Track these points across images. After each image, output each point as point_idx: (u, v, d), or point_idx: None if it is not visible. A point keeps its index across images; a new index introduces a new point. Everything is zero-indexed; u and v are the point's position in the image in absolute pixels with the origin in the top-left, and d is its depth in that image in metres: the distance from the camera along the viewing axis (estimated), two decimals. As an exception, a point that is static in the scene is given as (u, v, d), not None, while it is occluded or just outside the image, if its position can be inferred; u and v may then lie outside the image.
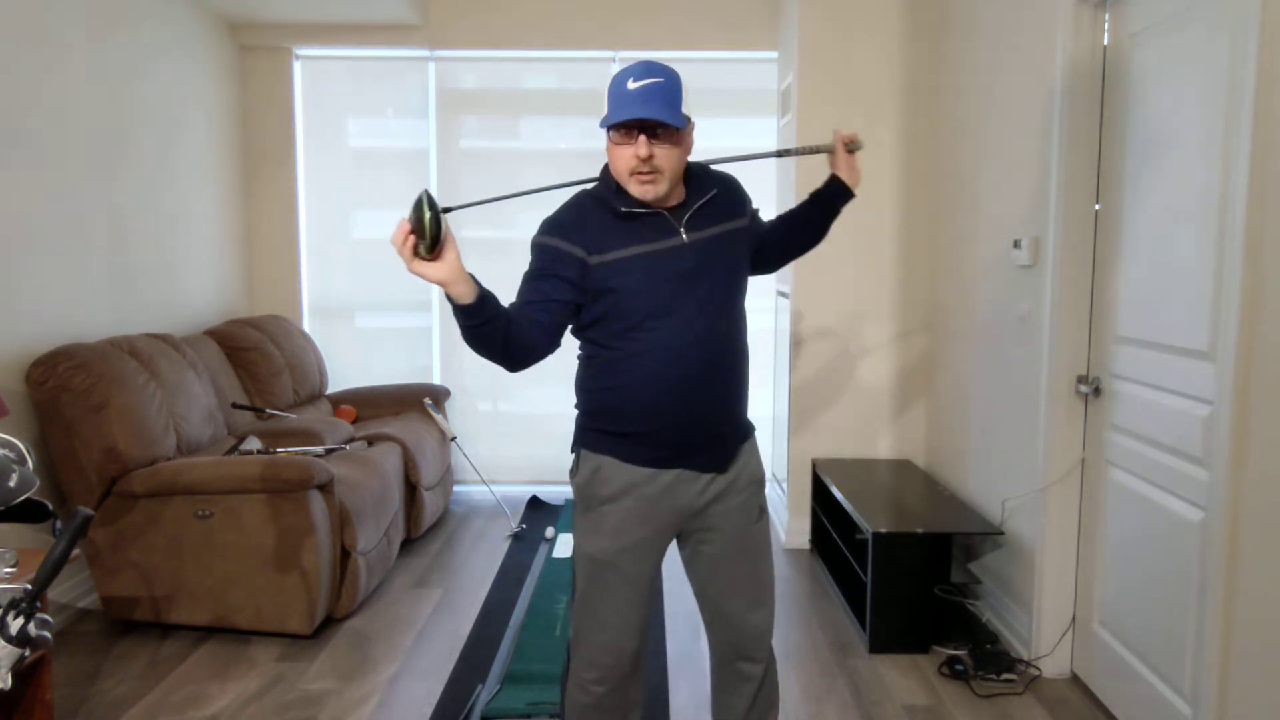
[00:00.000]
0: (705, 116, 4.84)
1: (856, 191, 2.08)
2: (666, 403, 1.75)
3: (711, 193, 1.81)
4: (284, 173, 4.86)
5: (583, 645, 1.86)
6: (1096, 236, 2.68)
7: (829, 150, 2.03)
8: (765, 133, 4.82)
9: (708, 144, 4.84)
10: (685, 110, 1.67)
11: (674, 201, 1.77)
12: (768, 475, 4.83)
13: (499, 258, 4.94)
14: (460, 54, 4.80)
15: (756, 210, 1.98)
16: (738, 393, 1.84)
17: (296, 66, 4.84)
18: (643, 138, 1.63)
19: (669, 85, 1.64)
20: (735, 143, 4.84)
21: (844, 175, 2.00)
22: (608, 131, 1.68)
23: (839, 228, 3.96)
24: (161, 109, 3.98)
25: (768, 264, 2.04)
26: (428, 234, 1.45)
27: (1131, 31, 2.48)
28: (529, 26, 4.72)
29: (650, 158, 1.64)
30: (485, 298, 1.59)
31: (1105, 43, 2.63)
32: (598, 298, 1.74)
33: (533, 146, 4.89)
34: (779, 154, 2.06)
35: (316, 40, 4.72)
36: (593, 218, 1.75)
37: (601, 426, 1.82)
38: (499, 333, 1.63)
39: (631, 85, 1.63)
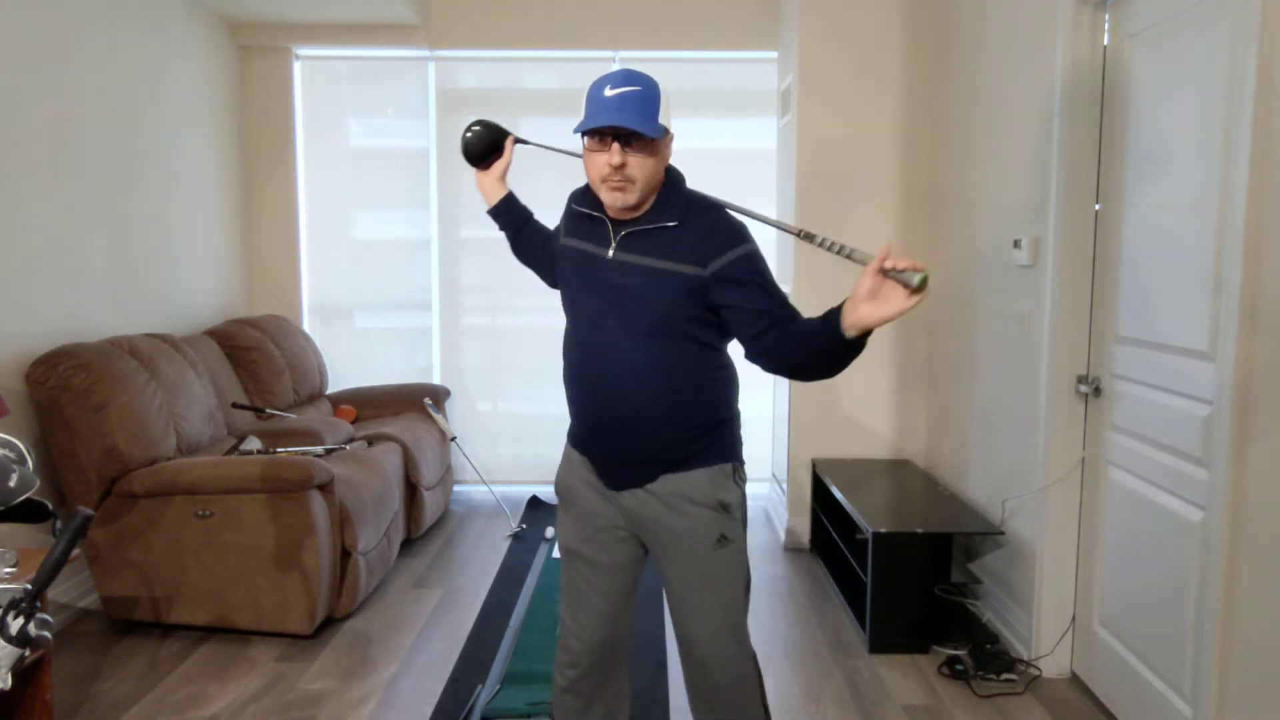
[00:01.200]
0: (705, 116, 4.85)
1: (855, 332, 1.48)
2: (581, 410, 1.81)
3: (669, 223, 1.70)
4: (284, 173, 4.86)
5: (561, 630, 1.93)
6: (1096, 236, 2.68)
7: (861, 262, 1.50)
8: (765, 133, 4.82)
9: (708, 144, 4.85)
10: (663, 121, 1.66)
11: (633, 214, 1.73)
12: (768, 475, 4.82)
13: (497, 258, 4.94)
14: (460, 54, 4.80)
15: (746, 280, 1.65)
16: (652, 424, 1.73)
17: (296, 66, 4.84)
18: (616, 145, 1.62)
19: (646, 94, 1.63)
20: (735, 143, 4.84)
21: (854, 304, 1.46)
22: (582, 137, 1.68)
23: (840, 226, 3.97)
24: (161, 109, 3.98)
25: (758, 357, 1.69)
26: (462, 148, 2.05)
27: (1131, 32, 2.48)
28: (529, 26, 4.73)
29: (623, 166, 1.63)
30: (502, 211, 2.08)
31: (1105, 43, 2.63)
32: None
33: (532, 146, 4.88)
34: (801, 234, 1.68)
35: (316, 40, 4.72)
36: (580, 203, 1.85)
37: (571, 417, 1.91)
38: (509, 237, 2.11)
39: (609, 92, 1.63)
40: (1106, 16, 2.62)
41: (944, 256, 3.78)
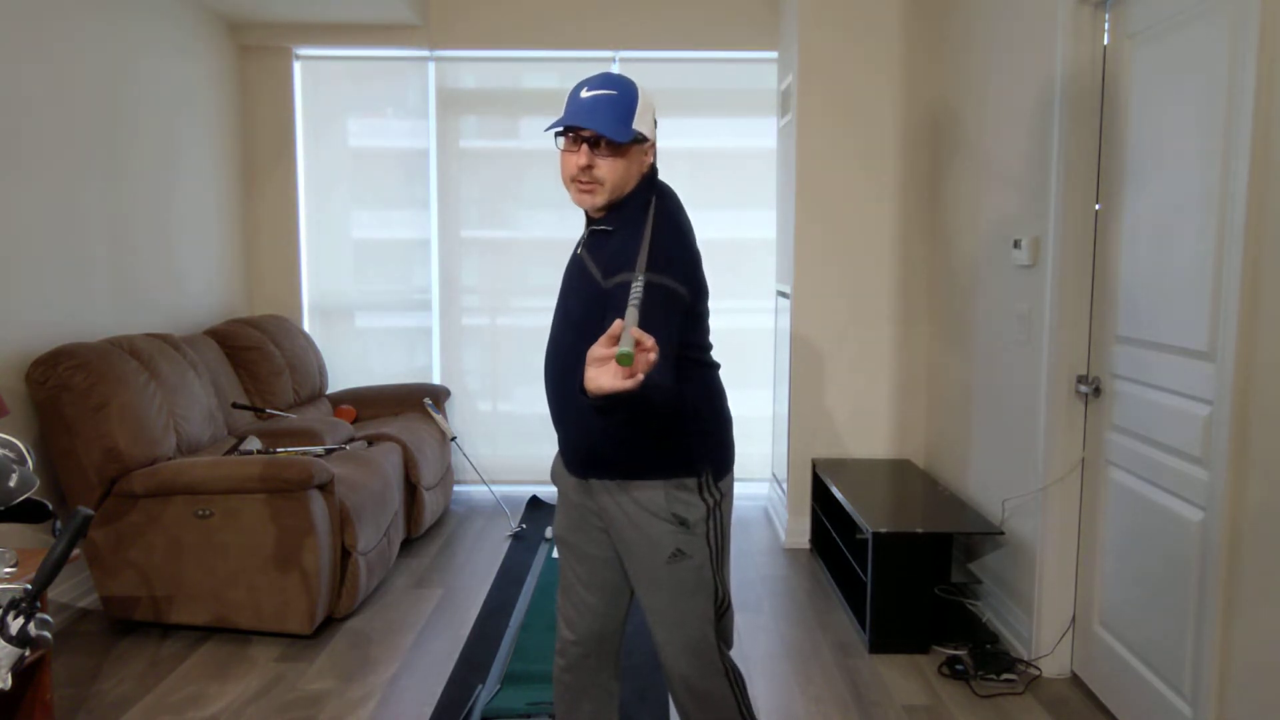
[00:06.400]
0: (705, 116, 4.85)
1: (597, 400, 1.40)
2: (547, 399, 1.85)
3: (610, 228, 1.71)
4: (284, 173, 4.86)
5: (556, 619, 1.96)
6: (1096, 236, 2.68)
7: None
8: (765, 133, 4.82)
9: (708, 144, 4.85)
10: (640, 126, 1.67)
11: (601, 214, 1.74)
12: (768, 475, 4.82)
13: (497, 258, 4.94)
14: (460, 54, 4.80)
15: (621, 308, 1.56)
16: (591, 427, 1.72)
17: (296, 66, 4.84)
18: (584, 147, 1.65)
19: (621, 99, 1.66)
20: (735, 143, 4.84)
21: (588, 368, 1.36)
22: (555, 137, 1.72)
23: (840, 226, 3.97)
24: (162, 109, 3.98)
25: None
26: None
27: (1131, 32, 2.48)
28: (529, 26, 4.72)
29: (589, 167, 1.66)
30: None
31: (1105, 43, 2.63)
32: None
33: (533, 146, 4.89)
34: (636, 287, 1.49)
35: (316, 40, 4.72)
36: None
37: None
38: None
39: (584, 94, 1.66)
40: (1106, 16, 2.62)
41: (944, 256, 3.78)
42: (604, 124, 1.63)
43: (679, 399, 1.73)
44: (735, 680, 1.85)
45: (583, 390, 1.41)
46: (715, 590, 1.80)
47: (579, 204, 1.72)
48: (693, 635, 1.79)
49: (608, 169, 1.67)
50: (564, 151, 1.70)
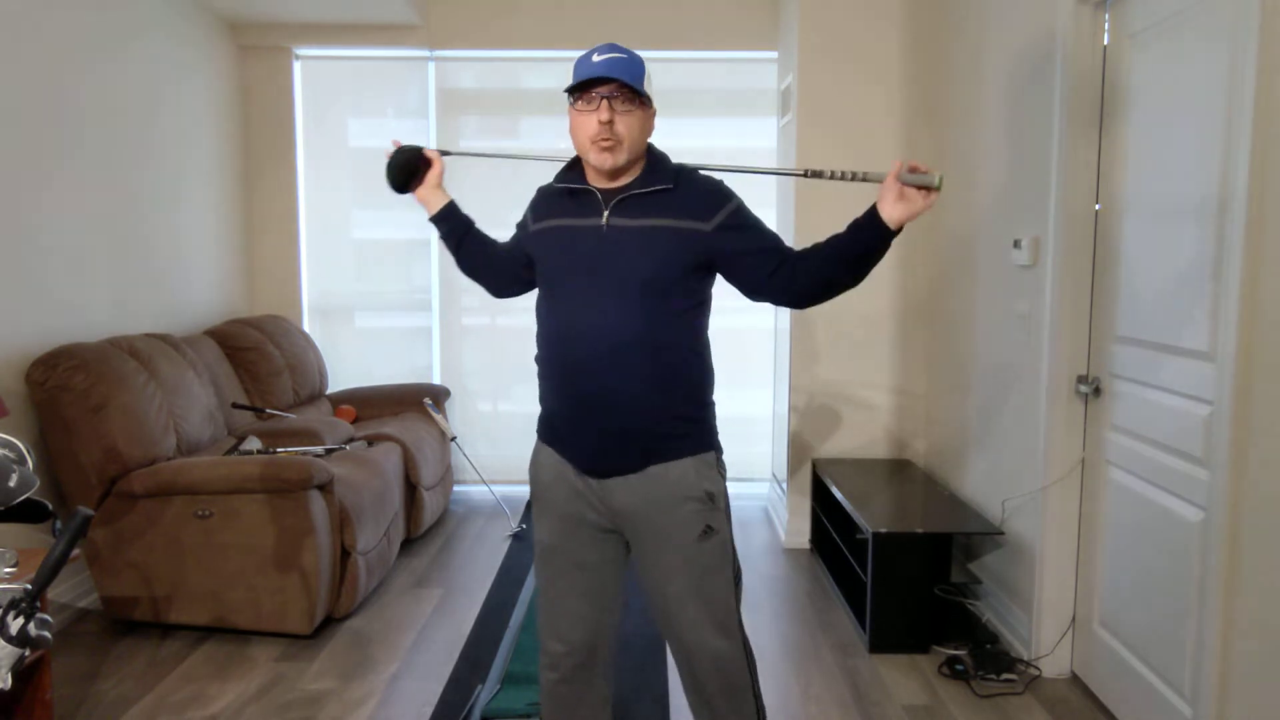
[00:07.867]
0: (705, 116, 4.85)
1: (894, 228, 1.67)
2: (567, 392, 1.80)
3: (662, 187, 1.76)
4: (284, 173, 4.86)
5: (540, 632, 1.92)
6: (1096, 236, 2.68)
7: (877, 180, 1.70)
8: (765, 133, 4.82)
9: (708, 144, 4.85)
10: (648, 90, 1.75)
11: (622, 181, 1.78)
12: (768, 475, 4.82)
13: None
14: (460, 54, 4.80)
15: (749, 225, 1.79)
16: (641, 400, 1.74)
17: (296, 66, 4.84)
18: (605, 102, 1.69)
19: (632, 61, 1.72)
20: (735, 143, 4.84)
21: (886, 205, 1.66)
22: (573, 103, 1.74)
23: (840, 226, 3.96)
24: (161, 109, 3.98)
25: (777, 292, 1.81)
26: (387, 177, 2.03)
27: (1131, 32, 2.48)
28: (529, 26, 4.73)
29: (610, 123, 1.69)
30: (444, 217, 2.09)
31: (1105, 43, 2.63)
32: (533, 264, 1.91)
33: (532, 146, 4.89)
34: (808, 173, 1.85)
35: (316, 40, 4.72)
36: (551, 189, 1.89)
37: (541, 410, 1.90)
38: (452, 245, 2.11)
39: (596, 58, 1.71)
40: (1106, 16, 2.62)
41: (944, 256, 3.78)
42: (627, 77, 1.68)
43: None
44: (749, 654, 1.88)
45: (888, 230, 1.66)
46: (735, 564, 1.85)
47: (599, 164, 1.73)
48: (719, 611, 1.81)
49: (626, 125, 1.71)
50: (579, 114, 1.72)
